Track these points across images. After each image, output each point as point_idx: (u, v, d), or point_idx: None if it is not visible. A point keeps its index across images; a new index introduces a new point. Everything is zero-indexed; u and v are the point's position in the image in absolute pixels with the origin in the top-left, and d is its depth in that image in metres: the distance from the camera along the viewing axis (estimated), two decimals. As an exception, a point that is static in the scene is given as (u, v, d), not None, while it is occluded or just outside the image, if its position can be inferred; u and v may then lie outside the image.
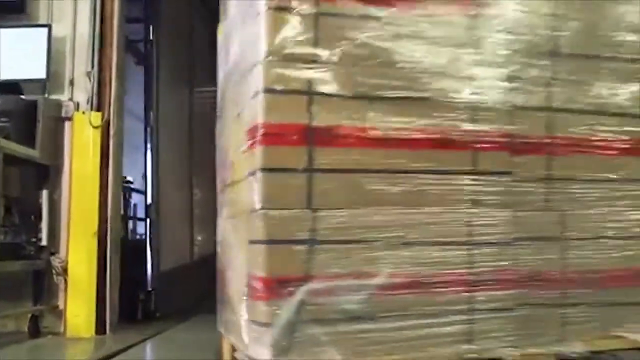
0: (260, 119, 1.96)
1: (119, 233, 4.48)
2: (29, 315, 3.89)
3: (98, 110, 4.22)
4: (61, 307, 4.07)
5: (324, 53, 2.00)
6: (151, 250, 5.06)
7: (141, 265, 4.96)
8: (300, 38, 1.99)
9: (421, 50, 2.09)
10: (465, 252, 2.08)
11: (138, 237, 6.23)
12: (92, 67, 4.24)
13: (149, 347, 3.90)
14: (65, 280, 4.04)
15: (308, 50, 1.99)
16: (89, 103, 4.24)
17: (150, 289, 4.98)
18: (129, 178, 5.71)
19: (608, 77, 2.29)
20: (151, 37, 5.30)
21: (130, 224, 6.25)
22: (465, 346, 2.06)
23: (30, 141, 3.91)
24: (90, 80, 4.24)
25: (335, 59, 2.01)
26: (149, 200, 5.18)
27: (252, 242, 2.01)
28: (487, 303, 2.08)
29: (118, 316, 4.28)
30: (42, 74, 4.10)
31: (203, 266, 5.57)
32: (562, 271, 2.19)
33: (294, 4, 1.99)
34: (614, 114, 2.28)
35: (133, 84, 5.56)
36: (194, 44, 6.42)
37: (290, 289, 1.91)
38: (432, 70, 2.10)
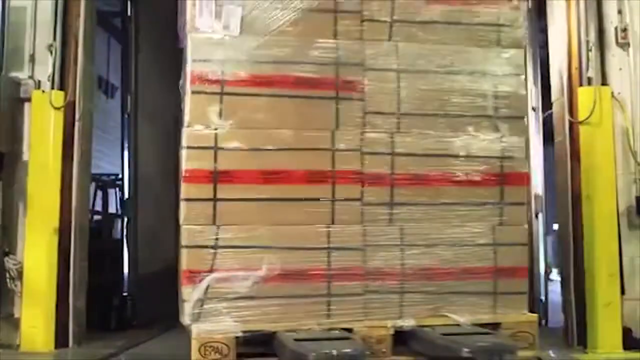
0: (184, 165, 2.98)
1: (86, 230, 3.98)
2: (-23, 326, 3.40)
3: (61, 89, 3.75)
4: (17, 315, 3.59)
5: (226, 121, 3.00)
6: (128, 250, 4.74)
7: (117, 268, 4.63)
8: (211, 110, 3.00)
9: (296, 116, 3.06)
10: (325, 255, 3.01)
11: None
12: (54, 39, 3.76)
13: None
14: (22, 285, 3.56)
15: (215, 118, 3.00)
16: (51, 81, 3.74)
17: (126, 293, 4.59)
18: (121, 175, 5.33)
19: (440, 129, 3.18)
20: (129, 13, 4.87)
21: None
22: (325, 320, 2.99)
23: (-21, 124, 3.42)
24: (51, 55, 3.74)
25: (233, 124, 3.00)
26: (125, 196, 4.82)
27: (180, 246, 3.03)
28: (341, 289, 3.01)
29: (86, 326, 3.90)
30: None
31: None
32: (401, 268, 3.08)
33: (207, 88, 3.01)
34: (445, 156, 3.16)
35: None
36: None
37: (201, 278, 2.91)
38: (303, 128, 3.05)
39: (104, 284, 4.33)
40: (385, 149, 3.12)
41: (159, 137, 5.47)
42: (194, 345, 2.84)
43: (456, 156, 3.18)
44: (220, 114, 3.01)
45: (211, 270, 2.93)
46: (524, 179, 3.26)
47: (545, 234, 5.33)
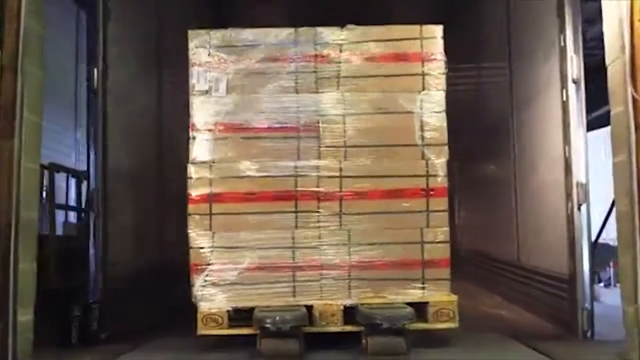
0: (190, 191, 4.19)
1: (34, 227, 3.43)
2: None
3: None
4: None
5: (217, 157, 4.19)
6: (95, 252, 4.18)
7: (83, 271, 4.07)
8: (206, 151, 4.20)
9: (269, 152, 4.20)
10: (291, 252, 4.13)
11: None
12: None
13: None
14: None
15: (209, 156, 4.19)
16: None
17: (91, 301, 4.06)
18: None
19: (378, 156, 4.20)
20: None
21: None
22: (291, 298, 4.11)
23: None
24: None
25: (223, 159, 4.19)
26: (91, 187, 4.18)
27: (189, 247, 4.24)
28: (303, 277, 4.12)
29: (43, 341, 3.44)
30: None
31: (176, 273, 4.49)
32: (349, 261, 4.14)
33: (205, 135, 4.21)
34: (383, 176, 4.19)
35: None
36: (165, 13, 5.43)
37: (202, 268, 4.11)
38: (274, 160, 4.20)
39: (64, 291, 3.81)
40: (335, 172, 4.21)
41: (138, 122, 4.98)
42: (199, 316, 4.03)
43: (391, 176, 4.21)
44: (213, 153, 4.21)
45: (209, 264, 4.13)
46: (445, 192, 4.22)
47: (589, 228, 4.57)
